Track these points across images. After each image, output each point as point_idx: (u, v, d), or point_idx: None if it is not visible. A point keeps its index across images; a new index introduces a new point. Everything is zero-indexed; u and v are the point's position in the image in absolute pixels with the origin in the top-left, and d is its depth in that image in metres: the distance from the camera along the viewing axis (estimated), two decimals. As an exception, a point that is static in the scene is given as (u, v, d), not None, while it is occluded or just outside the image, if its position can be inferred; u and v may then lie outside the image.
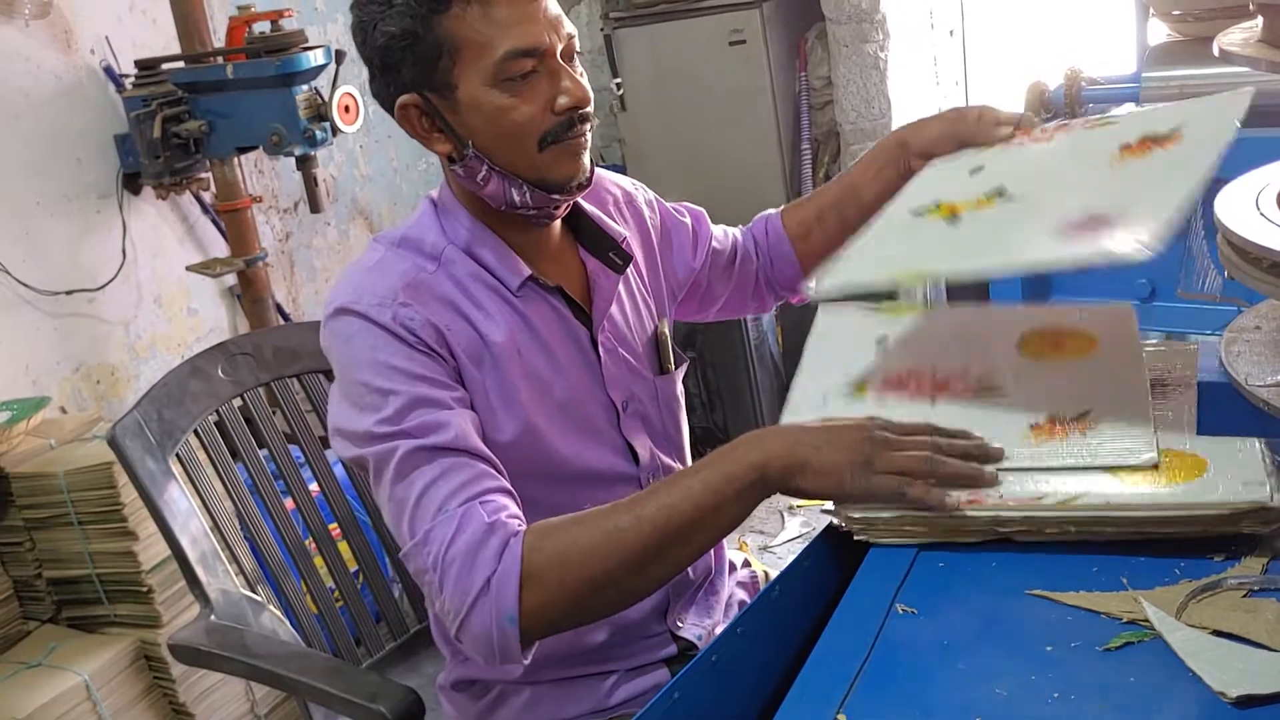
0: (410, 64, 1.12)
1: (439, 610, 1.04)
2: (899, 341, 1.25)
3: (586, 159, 1.17)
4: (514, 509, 1.06)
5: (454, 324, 1.15)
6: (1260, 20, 0.79)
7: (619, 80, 3.92)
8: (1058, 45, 3.51)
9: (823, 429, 1.03)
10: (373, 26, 1.12)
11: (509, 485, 1.09)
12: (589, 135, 1.16)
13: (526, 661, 1.03)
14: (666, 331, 1.34)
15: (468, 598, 1.00)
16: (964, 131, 1.26)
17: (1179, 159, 1.04)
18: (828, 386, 1.19)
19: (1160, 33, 2.23)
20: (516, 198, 1.16)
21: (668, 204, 1.45)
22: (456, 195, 1.21)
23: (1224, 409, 0.83)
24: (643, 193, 1.42)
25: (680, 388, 1.37)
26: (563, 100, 1.12)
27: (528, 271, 1.19)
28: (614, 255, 1.27)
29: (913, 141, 1.30)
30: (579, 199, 1.25)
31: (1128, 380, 1.12)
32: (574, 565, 1.00)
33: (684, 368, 1.37)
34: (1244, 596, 0.89)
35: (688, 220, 1.45)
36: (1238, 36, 0.83)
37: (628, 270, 1.29)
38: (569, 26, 1.14)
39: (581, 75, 1.15)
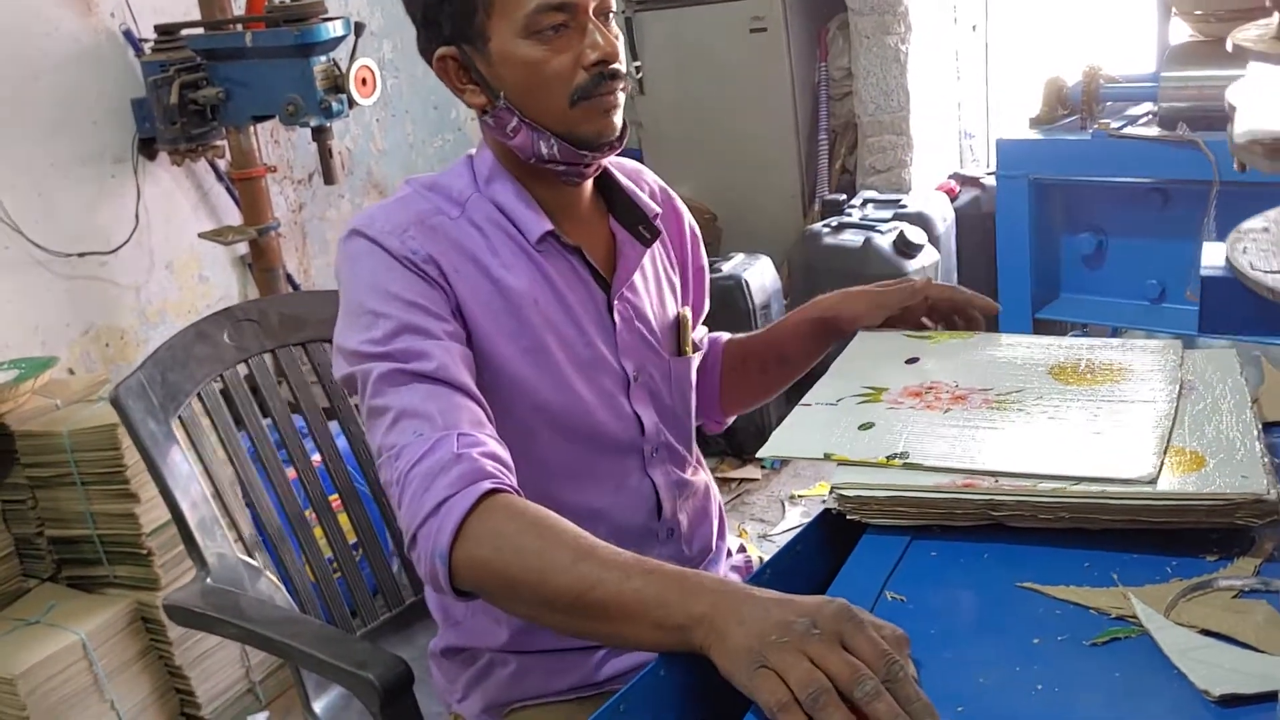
0: (448, 18, 1.15)
1: (399, 524, 1.03)
2: (931, 360, 1.28)
3: (618, 118, 1.18)
4: (490, 447, 1.04)
5: (463, 268, 1.17)
6: (1277, 17, 0.79)
7: (638, 64, 3.91)
8: (1081, 43, 3.49)
9: (772, 601, 0.83)
10: None
11: (488, 421, 1.08)
12: (620, 94, 1.17)
13: (459, 602, 1.04)
14: (688, 316, 1.36)
15: (419, 516, 0.99)
16: (889, 308, 1.35)
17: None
18: (845, 390, 1.21)
19: (1183, 32, 2.22)
20: (544, 150, 1.17)
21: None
22: (492, 150, 1.24)
23: (1227, 304, 0.81)
24: (679, 204, 1.43)
25: (694, 374, 1.37)
26: (591, 54, 1.13)
27: (549, 226, 1.20)
28: (643, 229, 1.28)
29: (842, 315, 1.37)
30: (615, 173, 1.28)
31: (1150, 404, 1.12)
32: (503, 554, 0.96)
33: (700, 355, 1.38)
34: (1234, 597, 0.89)
35: (706, 286, 1.47)
36: (1253, 33, 0.82)
37: (654, 250, 1.31)
38: None
39: (618, 36, 1.17)
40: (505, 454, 1.06)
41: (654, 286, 1.32)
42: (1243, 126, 0.77)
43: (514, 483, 1.03)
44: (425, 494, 0.99)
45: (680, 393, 1.34)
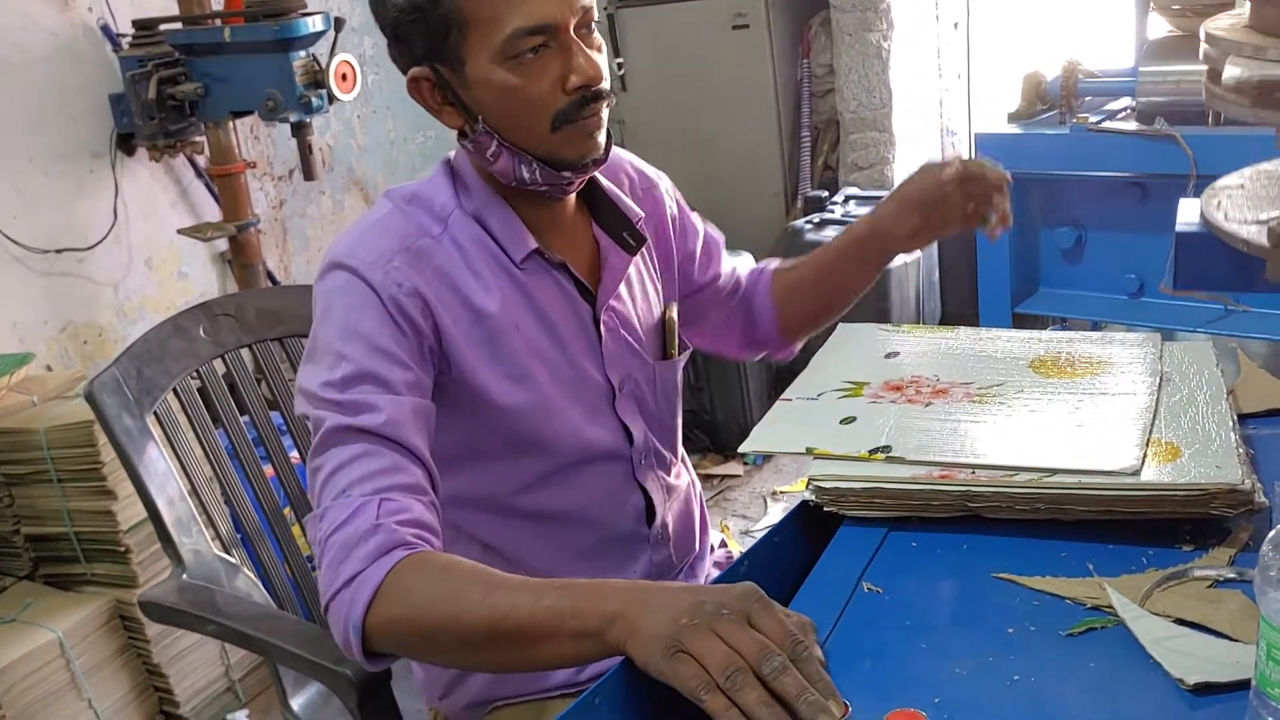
0: (420, 37, 1.10)
1: (319, 590, 1.02)
2: (911, 354, 1.28)
3: (601, 136, 1.14)
4: (417, 511, 1.01)
5: (445, 297, 1.13)
6: (1248, 6, 0.79)
7: (620, 61, 3.90)
8: (1062, 39, 3.50)
9: (680, 589, 0.85)
10: (386, 0, 1.11)
11: (425, 481, 1.05)
12: (605, 113, 1.13)
13: (372, 669, 1.02)
14: (674, 317, 1.33)
15: (333, 586, 0.98)
16: (939, 226, 1.31)
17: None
18: (825, 383, 1.21)
19: (1161, 27, 2.23)
20: (526, 175, 1.14)
21: (689, 209, 1.44)
22: (471, 163, 1.20)
23: (1201, 259, 0.81)
24: (665, 182, 1.40)
25: (680, 376, 1.36)
26: (574, 80, 1.09)
27: (534, 244, 1.17)
28: (628, 235, 1.25)
29: (893, 233, 1.33)
30: (598, 176, 1.24)
31: (1131, 396, 1.12)
32: (415, 607, 0.95)
33: (686, 355, 1.36)
34: (1209, 587, 0.89)
35: (702, 231, 1.43)
36: (1225, 21, 0.82)
37: (641, 252, 1.28)
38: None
39: (601, 49, 1.12)
40: (432, 518, 1.03)
41: (638, 288, 1.30)
42: (1231, 71, 0.76)
43: (436, 547, 1.01)
44: (341, 565, 0.97)
45: (665, 397, 1.33)
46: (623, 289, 1.26)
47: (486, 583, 0.94)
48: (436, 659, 1.01)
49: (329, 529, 1.00)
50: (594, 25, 1.12)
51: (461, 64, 1.09)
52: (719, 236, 1.46)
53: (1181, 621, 0.85)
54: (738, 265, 1.48)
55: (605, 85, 1.11)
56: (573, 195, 1.22)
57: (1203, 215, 0.79)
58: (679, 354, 1.34)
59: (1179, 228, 0.83)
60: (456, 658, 0.98)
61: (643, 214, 1.28)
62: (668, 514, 1.32)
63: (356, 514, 0.99)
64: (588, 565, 1.26)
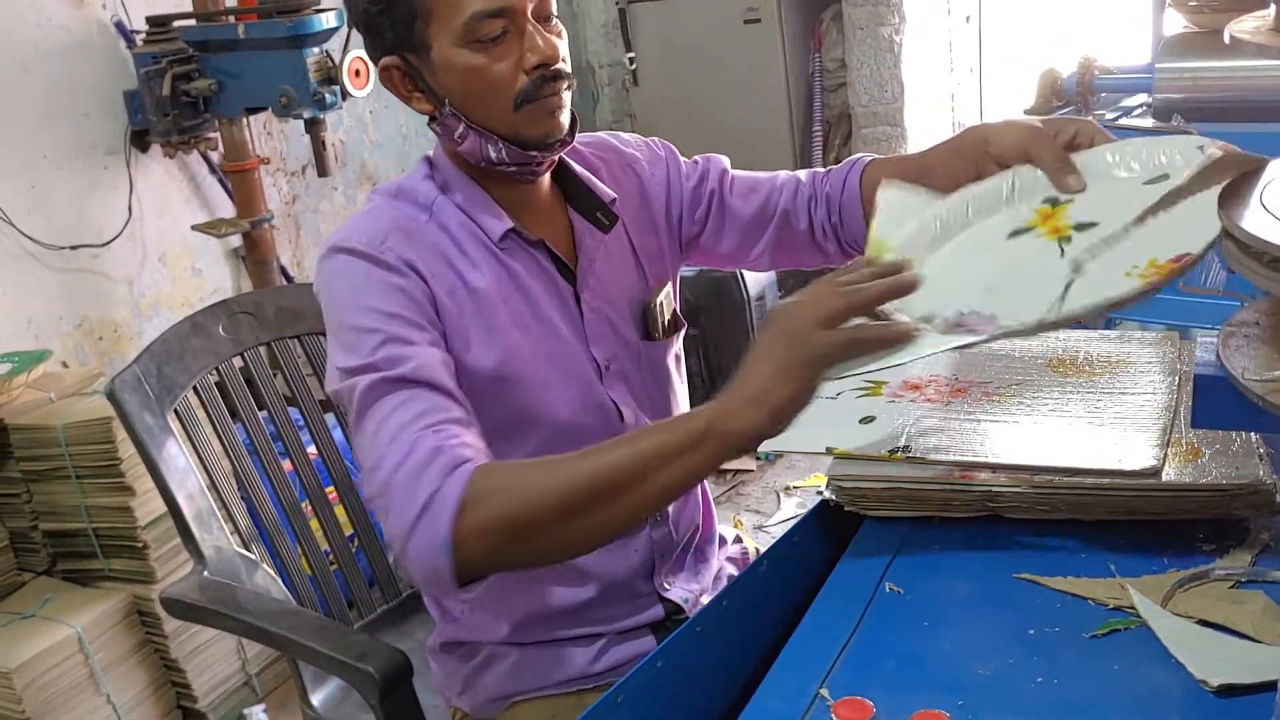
0: (389, 27, 1.15)
1: (388, 537, 1.02)
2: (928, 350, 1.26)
3: (564, 117, 1.18)
4: (469, 438, 1.03)
5: (439, 271, 1.17)
6: (1273, 8, 0.78)
7: (632, 55, 3.90)
8: (1075, 34, 3.49)
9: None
10: None
11: (471, 419, 1.07)
12: (565, 94, 1.17)
13: (463, 596, 1.04)
14: (660, 300, 1.33)
15: (409, 515, 0.97)
16: (1037, 156, 1.14)
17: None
18: (844, 382, 1.20)
19: (1178, 23, 2.22)
20: (493, 154, 1.18)
21: (683, 160, 1.42)
22: (446, 153, 1.25)
23: (1220, 403, 0.82)
24: (648, 151, 1.40)
25: (673, 357, 1.36)
26: (530, 58, 1.13)
27: (509, 224, 1.21)
28: (601, 215, 1.27)
29: (993, 143, 1.19)
30: (569, 160, 1.27)
31: (1150, 395, 1.12)
32: (510, 499, 0.96)
33: (677, 337, 1.36)
34: (1231, 588, 0.89)
35: (699, 167, 1.41)
36: (1249, 24, 0.82)
37: (619, 232, 1.30)
38: None
39: (560, 35, 1.17)
40: (484, 446, 1.05)
41: (620, 267, 1.31)
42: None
43: (468, 450, 1.02)
44: (412, 496, 0.97)
45: (654, 377, 1.33)
46: (603, 268, 1.28)
47: (575, 456, 0.98)
48: (536, 548, 1.00)
49: (389, 471, 1.00)
50: (554, 16, 1.17)
51: (427, 50, 1.14)
52: (711, 161, 1.42)
53: (1204, 623, 0.85)
54: (778, 178, 1.41)
55: (564, 67, 1.16)
56: (546, 179, 1.25)
57: (1219, 359, 0.81)
58: (666, 336, 1.33)
59: (1197, 369, 0.84)
60: (560, 536, 0.98)
61: (615, 195, 1.29)
62: None
63: (414, 449, 0.99)
64: None
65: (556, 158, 1.23)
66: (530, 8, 1.13)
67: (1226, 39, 0.85)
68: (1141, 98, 2.31)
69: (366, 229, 1.17)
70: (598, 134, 1.40)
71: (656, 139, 1.43)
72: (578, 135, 1.26)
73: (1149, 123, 2.05)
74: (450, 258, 1.19)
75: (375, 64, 1.20)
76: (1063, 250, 0.98)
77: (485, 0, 1.11)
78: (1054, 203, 1.05)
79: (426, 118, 1.21)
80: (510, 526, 0.97)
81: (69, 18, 2.75)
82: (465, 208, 1.22)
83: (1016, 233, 1.04)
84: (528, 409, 1.21)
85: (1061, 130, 1.10)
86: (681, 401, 1.39)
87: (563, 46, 1.17)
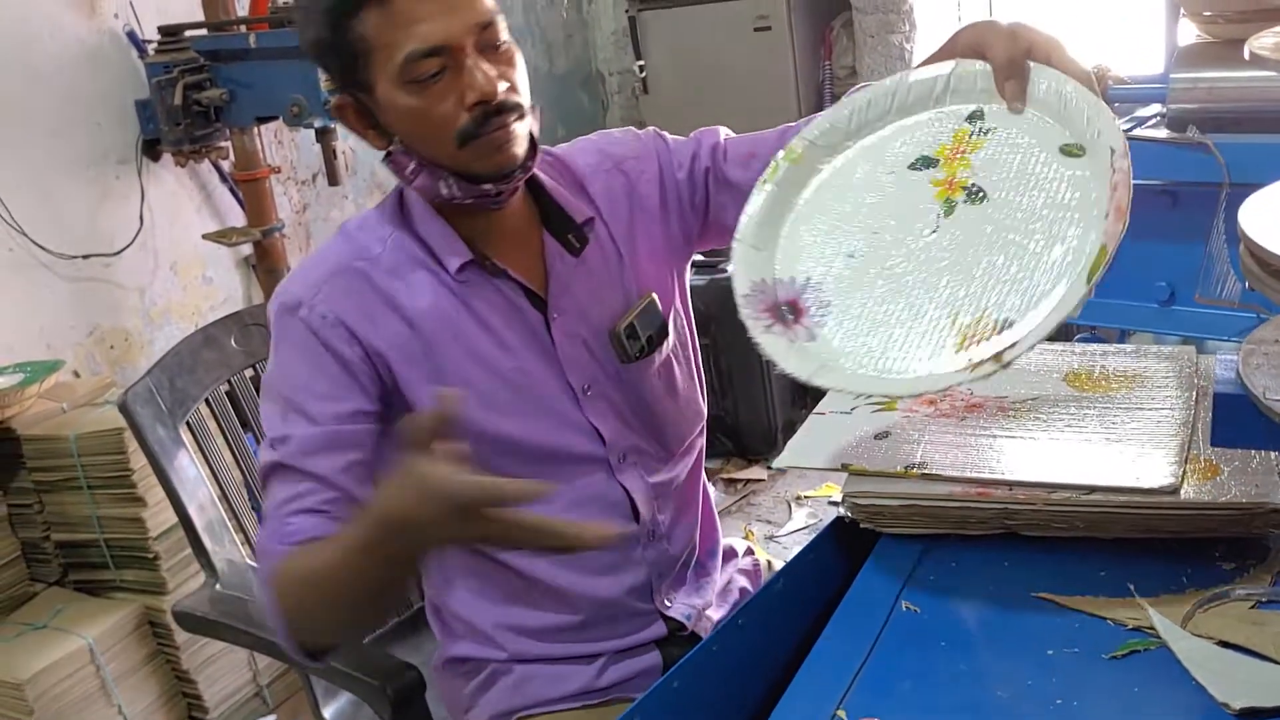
0: (335, 66, 1.14)
1: None
2: None
3: (517, 148, 1.13)
4: (302, 523, 1.09)
5: (378, 315, 1.16)
6: (1293, 25, 0.78)
7: (642, 62, 3.90)
8: (1086, 43, 3.48)
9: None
10: (301, 33, 1.15)
11: (320, 494, 1.11)
12: (516, 125, 1.12)
13: (324, 660, 1.12)
14: (632, 321, 1.25)
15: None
16: (990, 46, 1.11)
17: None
18: (859, 397, 1.20)
19: (1190, 33, 2.21)
20: (444, 190, 1.15)
21: (674, 142, 1.34)
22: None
23: (1240, 422, 0.81)
24: (637, 145, 1.32)
25: (656, 375, 1.29)
26: (469, 96, 1.09)
27: (468, 256, 1.18)
28: (572, 237, 1.24)
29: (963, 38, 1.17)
30: (542, 179, 1.23)
31: (1168, 411, 1.11)
32: (284, 601, 1.06)
33: (656, 356, 1.29)
34: (1251, 608, 0.89)
35: (689, 150, 1.32)
36: (1269, 40, 0.81)
37: (602, 248, 1.26)
38: (485, 14, 1.10)
39: (512, 62, 1.13)
40: (313, 524, 1.09)
41: (599, 287, 1.26)
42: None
43: (301, 540, 1.08)
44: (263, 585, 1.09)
45: (637, 397, 1.28)
46: (580, 290, 1.24)
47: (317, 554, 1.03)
48: (325, 625, 1.08)
49: (259, 554, 1.13)
50: (502, 42, 1.13)
51: (371, 89, 1.12)
52: (703, 134, 1.34)
53: (1225, 644, 0.84)
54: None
55: (513, 98, 1.11)
56: (518, 202, 1.22)
57: (1239, 377, 0.80)
58: (644, 356, 1.27)
59: (1216, 388, 0.83)
60: (319, 618, 1.06)
61: (591, 214, 1.25)
62: (658, 511, 1.30)
63: (263, 541, 1.11)
64: (583, 565, 1.25)
65: (517, 185, 1.19)
66: (471, 41, 1.09)
67: (1246, 56, 0.84)
68: (1155, 108, 2.30)
69: (305, 278, 1.18)
70: (588, 137, 1.35)
71: (650, 129, 1.35)
72: (572, 141, 1.25)
73: (1163, 133, 2.04)
74: (393, 295, 1.17)
75: (332, 99, 1.19)
76: (937, 224, 1.03)
77: (419, 40, 1.07)
78: (974, 128, 1.08)
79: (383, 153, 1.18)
80: (296, 616, 1.06)
81: (81, 28, 2.76)
82: (426, 239, 1.19)
83: (919, 164, 1.08)
84: (505, 437, 1.19)
85: (1031, 41, 1.08)
86: (683, 408, 1.33)
87: (516, 73, 1.13)
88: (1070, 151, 1.02)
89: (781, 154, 1.14)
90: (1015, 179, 1.03)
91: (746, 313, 1.06)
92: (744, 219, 1.11)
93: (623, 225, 1.29)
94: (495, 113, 1.11)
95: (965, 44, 1.15)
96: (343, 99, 1.16)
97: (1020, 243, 0.98)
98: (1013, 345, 0.90)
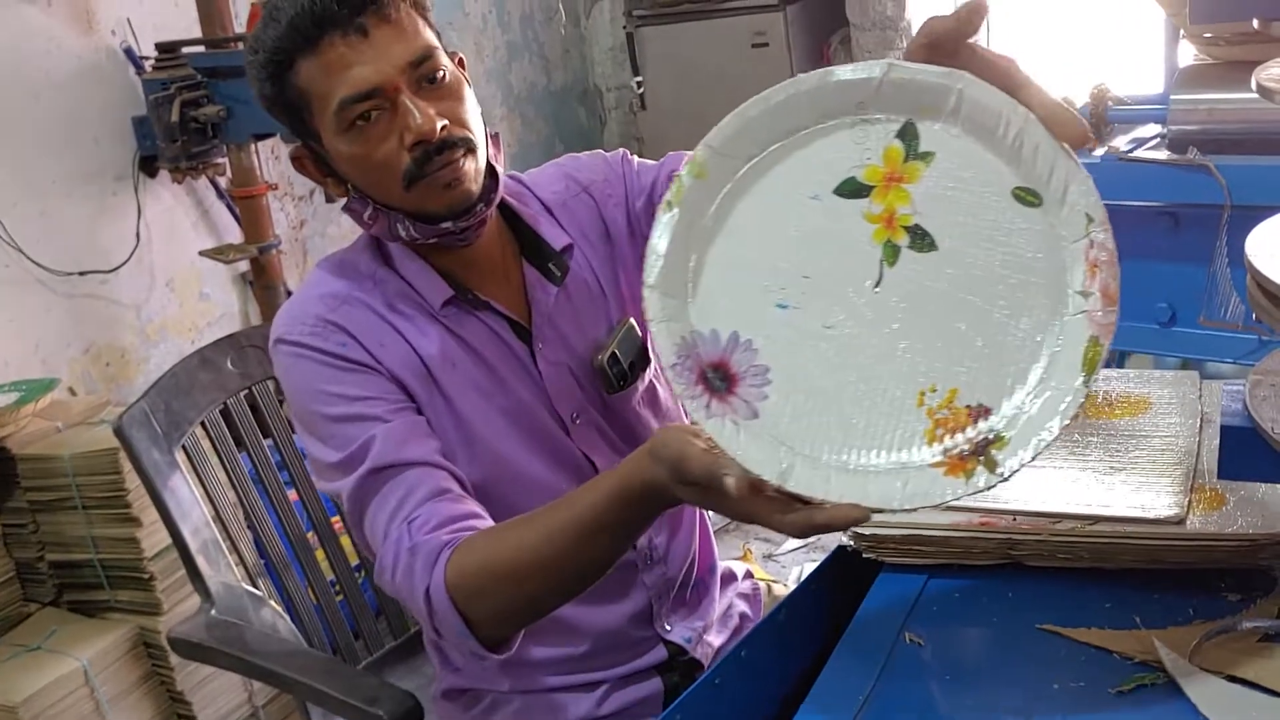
0: (284, 120, 1.14)
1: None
2: None
3: (469, 184, 1.11)
4: (442, 514, 1.07)
5: (387, 340, 1.16)
6: (1300, 55, 0.78)
7: (640, 78, 3.90)
8: (1085, 62, 3.48)
9: None
10: (252, 88, 1.15)
11: (448, 483, 1.10)
12: (464, 161, 1.10)
13: (507, 653, 1.09)
14: (613, 350, 1.23)
15: (424, 611, 1.05)
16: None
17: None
18: None
19: (1189, 55, 2.21)
20: (403, 233, 1.15)
21: (640, 167, 1.31)
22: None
23: (1247, 454, 0.80)
24: (604, 169, 1.30)
25: (641, 401, 1.27)
26: (406, 137, 1.08)
27: (448, 293, 1.17)
28: (552, 266, 1.22)
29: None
30: (517, 209, 1.22)
31: (1172, 439, 1.10)
32: (488, 565, 1.03)
33: (644, 380, 1.27)
34: (1259, 640, 0.88)
35: (653, 174, 1.30)
36: (1278, 71, 0.81)
37: (581, 275, 1.24)
38: (418, 50, 1.08)
39: (456, 96, 1.11)
40: (461, 507, 1.09)
41: (588, 314, 1.25)
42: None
43: (477, 525, 1.08)
44: (414, 595, 1.05)
45: (624, 425, 1.27)
46: (563, 320, 1.23)
47: (538, 521, 1.02)
48: (528, 594, 1.04)
49: (390, 575, 1.08)
50: (442, 74, 1.10)
51: (319, 139, 1.13)
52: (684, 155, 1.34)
53: (1233, 678, 0.83)
54: None
55: (456, 133, 1.09)
56: (494, 234, 1.21)
57: (1247, 409, 0.79)
58: (627, 385, 1.25)
59: (1223, 420, 0.82)
60: (545, 580, 1.03)
61: (570, 240, 1.24)
62: (655, 535, 1.29)
63: (398, 551, 1.07)
64: (584, 595, 1.23)
65: (484, 219, 1.16)
66: (404, 80, 1.07)
67: (1254, 87, 0.84)
68: (1154, 129, 2.30)
69: (304, 310, 1.17)
70: (555, 162, 1.33)
71: (619, 152, 1.33)
72: (540, 168, 1.26)
73: (1164, 155, 2.04)
74: (397, 325, 1.17)
75: (289, 150, 1.20)
76: (880, 273, 0.87)
77: (350, 86, 1.06)
78: (907, 148, 0.89)
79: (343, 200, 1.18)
80: (497, 583, 1.02)
81: (78, 45, 2.76)
82: (406, 277, 1.19)
83: (848, 189, 0.89)
84: (501, 468, 1.19)
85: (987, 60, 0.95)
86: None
87: (463, 105, 1.11)
88: (1025, 200, 0.87)
89: (684, 167, 0.91)
90: (965, 226, 0.87)
91: (681, 389, 0.85)
92: (649, 256, 0.88)
93: (597, 251, 1.27)
94: (437, 151, 1.08)
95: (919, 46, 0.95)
96: (298, 150, 1.17)
97: (983, 308, 0.85)
98: (1015, 455, 0.82)
